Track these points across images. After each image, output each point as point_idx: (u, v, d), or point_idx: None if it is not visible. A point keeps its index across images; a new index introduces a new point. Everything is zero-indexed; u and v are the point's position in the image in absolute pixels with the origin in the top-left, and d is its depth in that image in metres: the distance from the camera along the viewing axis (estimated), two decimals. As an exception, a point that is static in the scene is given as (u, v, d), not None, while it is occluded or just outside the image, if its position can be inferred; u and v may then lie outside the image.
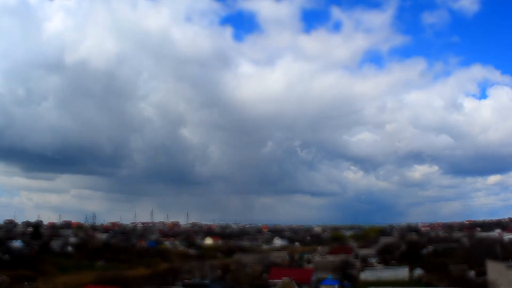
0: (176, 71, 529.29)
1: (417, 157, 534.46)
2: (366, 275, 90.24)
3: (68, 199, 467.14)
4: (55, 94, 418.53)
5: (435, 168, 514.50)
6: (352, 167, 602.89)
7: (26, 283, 76.45)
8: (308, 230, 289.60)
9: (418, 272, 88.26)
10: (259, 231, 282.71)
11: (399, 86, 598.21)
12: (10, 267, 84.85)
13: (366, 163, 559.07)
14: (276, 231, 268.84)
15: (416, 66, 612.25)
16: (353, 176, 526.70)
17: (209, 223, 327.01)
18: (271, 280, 76.77)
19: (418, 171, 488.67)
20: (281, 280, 72.02)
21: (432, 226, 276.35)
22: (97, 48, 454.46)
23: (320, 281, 79.83)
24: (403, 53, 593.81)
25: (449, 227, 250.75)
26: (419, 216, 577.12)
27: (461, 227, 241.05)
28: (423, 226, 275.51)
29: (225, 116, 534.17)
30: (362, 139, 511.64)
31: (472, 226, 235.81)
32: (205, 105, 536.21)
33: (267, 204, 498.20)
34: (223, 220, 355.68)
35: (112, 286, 61.83)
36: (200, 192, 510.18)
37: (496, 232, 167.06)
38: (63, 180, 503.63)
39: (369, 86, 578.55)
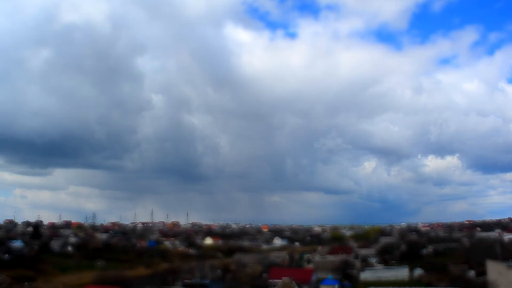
0: (180, 43, 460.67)
1: (441, 150, 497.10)
2: (366, 275, 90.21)
3: (65, 197, 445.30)
4: (42, 72, 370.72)
5: (458, 162, 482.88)
6: (372, 160, 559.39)
7: (26, 283, 76.40)
8: (308, 230, 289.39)
9: (418, 272, 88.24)
10: (259, 231, 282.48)
11: (439, 63, 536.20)
12: (10, 267, 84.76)
13: (386, 156, 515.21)
14: (276, 231, 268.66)
15: (466, 37, 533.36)
16: (372, 171, 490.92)
17: (209, 223, 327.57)
18: (271, 280, 76.77)
19: (438, 166, 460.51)
20: (281, 280, 72.06)
21: (432, 226, 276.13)
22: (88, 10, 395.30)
23: (320, 281, 79.80)
24: (458, 13, 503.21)
25: (449, 227, 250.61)
26: (429, 215, 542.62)
27: (461, 227, 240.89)
28: (423, 226, 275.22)
29: (234, 99, 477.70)
30: (385, 128, 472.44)
31: (472, 226, 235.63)
32: (213, 85, 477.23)
33: (278, 202, 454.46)
34: (227, 220, 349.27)
35: (112, 286, 61.79)
36: (205, 189, 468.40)
37: (496, 232, 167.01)
38: (58, 175, 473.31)
39: (406, 62, 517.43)
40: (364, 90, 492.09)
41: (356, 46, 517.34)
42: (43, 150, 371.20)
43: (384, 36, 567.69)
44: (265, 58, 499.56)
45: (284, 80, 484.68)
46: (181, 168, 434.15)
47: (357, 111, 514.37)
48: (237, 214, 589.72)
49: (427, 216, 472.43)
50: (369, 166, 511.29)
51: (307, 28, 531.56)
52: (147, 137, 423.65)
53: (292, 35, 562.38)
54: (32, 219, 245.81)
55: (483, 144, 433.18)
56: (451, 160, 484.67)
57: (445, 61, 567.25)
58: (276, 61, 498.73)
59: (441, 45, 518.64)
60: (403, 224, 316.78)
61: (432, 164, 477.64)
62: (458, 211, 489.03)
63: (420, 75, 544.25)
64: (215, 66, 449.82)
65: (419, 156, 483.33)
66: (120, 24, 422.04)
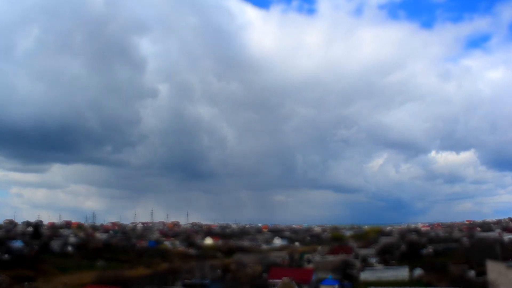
0: (181, 19, 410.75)
1: (458, 145, 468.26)
2: (366, 275, 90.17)
3: (64, 196, 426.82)
4: (31, 53, 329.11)
5: (473, 158, 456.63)
6: (385, 156, 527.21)
7: (26, 283, 76.42)
8: (308, 230, 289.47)
9: (418, 272, 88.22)
10: (259, 231, 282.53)
11: (469, 46, 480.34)
12: (10, 267, 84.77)
13: (400, 151, 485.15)
14: (276, 231, 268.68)
15: (507, 12, 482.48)
16: (384, 168, 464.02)
17: (209, 223, 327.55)
18: (271, 280, 76.75)
19: (452, 162, 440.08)
20: (281, 280, 72.03)
21: (432, 226, 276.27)
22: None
23: (320, 281, 79.77)
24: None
25: (449, 227, 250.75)
26: (437, 215, 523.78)
27: (461, 227, 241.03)
28: (423, 226, 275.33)
29: (241, 87, 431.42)
30: (402, 120, 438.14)
31: (472, 226, 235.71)
32: (218, 71, 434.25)
33: (285, 202, 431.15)
34: (232, 220, 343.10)
35: (112, 286, 61.83)
36: (208, 187, 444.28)
37: (496, 232, 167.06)
38: (56, 172, 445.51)
39: (435, 41, 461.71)
40: (384, 76, 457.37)
41: (381, 23, 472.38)
42: (37, 143, 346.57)
43: (418, 8, 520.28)
44: (276, 39, 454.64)
45: (296, 65, 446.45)
46: (182, 164, 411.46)
47: (374, 100, 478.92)
48: (241, 213, 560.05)
49: (435, 215, 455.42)
50: (381, 162, 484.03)
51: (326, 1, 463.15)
52: (148, 129, 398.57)
53: (309, 11, 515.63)
54: (29, 219, 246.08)
55: (505, 139, 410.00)
56: (466, 156, 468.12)
57: (476, 44, 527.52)
58: (288, 42, 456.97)
59: (477, 23, 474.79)
60: (411, 224, 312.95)
61: (446, 160, 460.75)
62: (467, 211, 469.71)
63: (447, 60, 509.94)
64: (220, 47, 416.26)
65: (434, 152, 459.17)
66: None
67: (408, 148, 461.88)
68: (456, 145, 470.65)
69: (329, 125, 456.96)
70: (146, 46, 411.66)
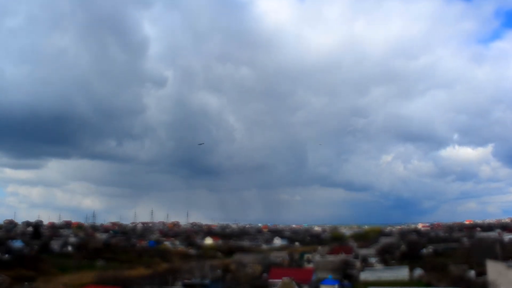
0: None
1: (477, 139, 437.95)
2: (366, 275, 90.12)
3: (62, 194, 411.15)
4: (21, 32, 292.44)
5: (489, 154, 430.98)
6: (399, 150, 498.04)
7: (26, 283, 76.40)
8: (308, 230, 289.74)
9: (418, 272, 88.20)
10: (259, 231, 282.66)
11: (507, 23, 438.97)
12: (10, 267, 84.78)
13: (416, 146, 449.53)
14: (276, 231, 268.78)
15: None
16: (396, 165, 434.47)
17: (209, 222, 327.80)
18: (271, 280, 76.84)
19: (468, 158, 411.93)
20: (281, 280, 72.05)
21: (433, 226, 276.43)
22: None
23: (320, 281, 79.73)
24: None
25: (449, 227, 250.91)
26: (446, 214, 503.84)
27: (461, 227, 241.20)
28: (423, 226, 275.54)
29: (249, 70, 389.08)
30: (422, 111, 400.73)
31: (472, 226, 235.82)
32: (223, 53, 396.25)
33: (294, 200, 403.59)
34: (235, 220, 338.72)
35: (112, 286, 61.85)
36: (211, 185, 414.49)
37: (496, 232, 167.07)
38: (53, 168, 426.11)
39: (470, 16, 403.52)
40: (408, 59, 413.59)
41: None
42: (31, 134, 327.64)
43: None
44: (292, 12, 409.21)
45: (312, 45, 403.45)
46: (186, 159, 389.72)
47: (394, 88, 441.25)
48: (247, 213, 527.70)
49: (443, 215, 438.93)
50: (394, 159, 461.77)
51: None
52: (150, 120, 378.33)
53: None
54: (28, 218, 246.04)
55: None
56: (483, 151, 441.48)
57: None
58: (305, 17, 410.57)
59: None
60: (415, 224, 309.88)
61: (461, 155, 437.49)
62: (474, 210, 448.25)
63: (479, 41, 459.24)
64: (229, 21, 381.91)
65: (450, 148, 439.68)
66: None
67: (425, 141, 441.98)
68: (475, 140, 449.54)
69: (343, 116, 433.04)
70: (145, 27, 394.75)
